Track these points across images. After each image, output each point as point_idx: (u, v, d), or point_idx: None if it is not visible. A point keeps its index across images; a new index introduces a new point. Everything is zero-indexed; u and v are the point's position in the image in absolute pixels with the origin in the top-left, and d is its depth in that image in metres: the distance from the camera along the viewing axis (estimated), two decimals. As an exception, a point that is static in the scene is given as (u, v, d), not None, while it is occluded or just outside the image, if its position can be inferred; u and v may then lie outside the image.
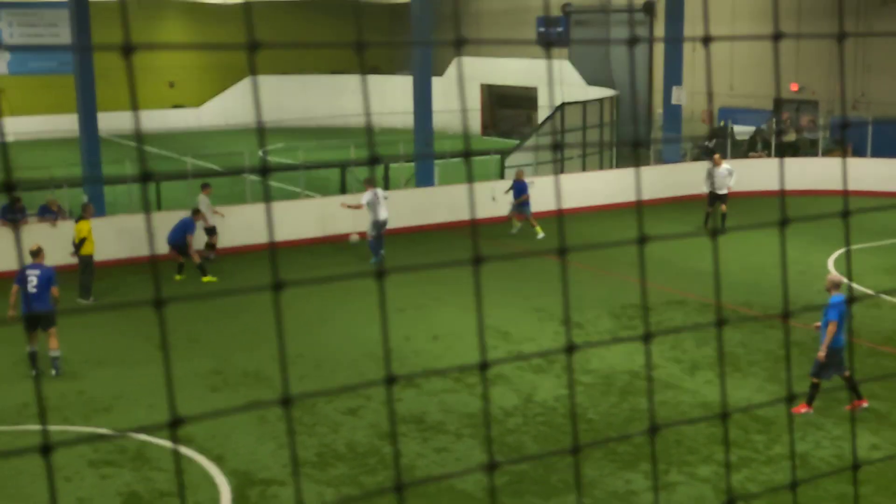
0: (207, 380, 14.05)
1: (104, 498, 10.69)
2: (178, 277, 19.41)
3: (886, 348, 14.84)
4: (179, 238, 19.24)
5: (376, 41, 52.87)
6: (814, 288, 17.24)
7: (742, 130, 31.61)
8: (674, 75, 29.60)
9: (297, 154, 31.58)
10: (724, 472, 10.51)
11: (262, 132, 2.09)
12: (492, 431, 12.09)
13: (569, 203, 25.14)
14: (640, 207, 2.63)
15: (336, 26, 49.62)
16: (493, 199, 23.01)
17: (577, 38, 42.21)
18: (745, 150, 30.71)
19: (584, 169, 28.70)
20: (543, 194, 24.20)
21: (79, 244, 17.81)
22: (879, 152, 27.34)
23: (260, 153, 31.67)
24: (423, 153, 26.36)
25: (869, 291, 17.12)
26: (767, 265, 19.27)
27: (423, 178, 25.77)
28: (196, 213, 19.86)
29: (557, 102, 29.91)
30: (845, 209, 2.85)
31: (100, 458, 11.51)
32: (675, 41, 30.77)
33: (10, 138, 42.75)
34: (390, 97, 43.67)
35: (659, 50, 36.11)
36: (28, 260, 14.54)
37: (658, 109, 34.71)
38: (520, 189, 22.57)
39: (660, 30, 37.32)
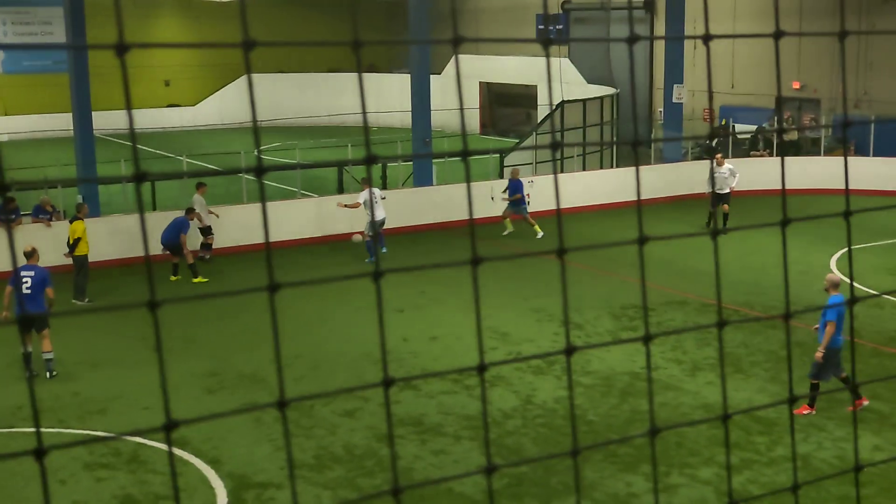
0: (204, 382, 13.92)
1: (99, 501, 10.58)
2: (173, 278, 19.28)
3: (889, 349, 14.73)
4: (173, 238, 19.11)
5: (373, 39, 52.76)
6: (815, 288, 17.09)
7: (743, 129, 31.52)
8: (675, 73, 29.48)
9: (294, 153, 31.48)
10: (726, 473, 10.39)
11: (257, 132, 1.97)
12: (491, 433, 11.97)
13: (569, 202, 25.03)
14: (639, 207, 2.50)
15: (333, 24, 49.49)
16: (492, 199, 22.87)
17: (576, 36, 42.12)
18: (746, 148, 30.61)
19: (584, 168, 28.59)
20: (543, 194, 24.08)
21: (73, 244, 17.68)
22: (882, 151, 27.23)
23: (255, 153, 31.51)
24: (421, 152, 26.22)
25: (871, 291, 17.00)
26: (769, 265, 19.16)
27: (422, 178, 25.64)
28: (190, 211, 19.73)
29: (557, 101, 29.80)
30: (847, 209, 2.72)
31: (95, 461, 11.39)
32: (675, 39, 30.68)
33: (3, 137, 42.64)
34: (388, 95, 43.56)
35: (660, 48, 36.01)
36: (22, 261, 14.40)
37: (659, 108, 34.61)
38: (515, 188, 22.47)
39: (661, 27, 37.22)
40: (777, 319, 15.46)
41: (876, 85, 31.36)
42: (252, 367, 14.40)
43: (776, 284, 17.64)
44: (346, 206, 21.01)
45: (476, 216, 21.98)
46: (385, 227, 21.24)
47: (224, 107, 47.44)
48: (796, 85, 33.38)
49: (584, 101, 30.57)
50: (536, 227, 22.27)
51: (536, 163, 27.52)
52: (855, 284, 17.38)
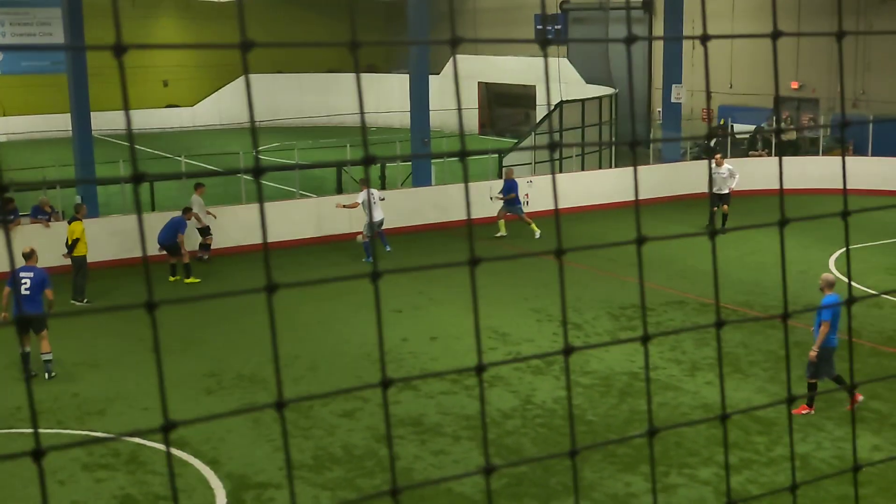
0: (202, 382, 13.92)
1: (98, 501, 10.57)
2: (172, 279, 19.28)
3: (888, 348, 14.74)
4: (170, 238, 19.10)
5: (372, 40, 52.75)
6: (814, 288, 17.07)
7: (742, 129, 31.52)
8: (673, 73, 29.48)
9: (293, 153, 31.46)
10: (725, 473, 10.38)
11: (254, 132, 1.98)
12: (490, 434, 11.97)
13: (568, 202, 25.03)
14: (637, 207, 2.50)
15: (332, 24, 49.48)
16: (490, 199, 22.86)
17: (575, 36, 42.11)
18: (745, 148, 30.61)
19: (582, 168, 28.58)
20: (542, 194, 24.07)
21: (72, 245, 17.67)
22: (880, 151, 27.24)
23: (253, 153, 31.50)
24: (420, 152, 26.21)
25: (870, 291, 17.00)
26: (768, 264, 19.16)
27: (420, 178, 25.63)
28: (186, 211, 19.71)
29: (555, 101, 29.80)
30: (845, 209, 2.73)
31: (94, 462, 11.38)
32: (672, 39, 30.67)
33: (2, 138, 42.63)
34: (387, 96, 43.56)
35: (658, 48, 36.00)
36: (20, 262, 14.38)
37: (658, 108, 34.61)
38: (509, 188, 22.44)
39: (659, 27, 37.22)
40: (776, 319, 15.48)
41: (874, 85, 31.37)
42: (251, 367, 14.40)
43: (776, 284, 17.64)
44: (344, 206, 21.02)
45: (474, 216, 21.95)
46: (384, 227, 21.24)
47: (222, 107, 47.42)
48: (795, 85, 33.38)
49: (582, 101, 30.57)
50: (533, 226, 22.23)
51: (535, 163, 27.52)
52: (853, 284, 17.40)
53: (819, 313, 11.93)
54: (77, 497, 10.64)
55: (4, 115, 44.62)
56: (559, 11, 41.15)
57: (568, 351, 2.31)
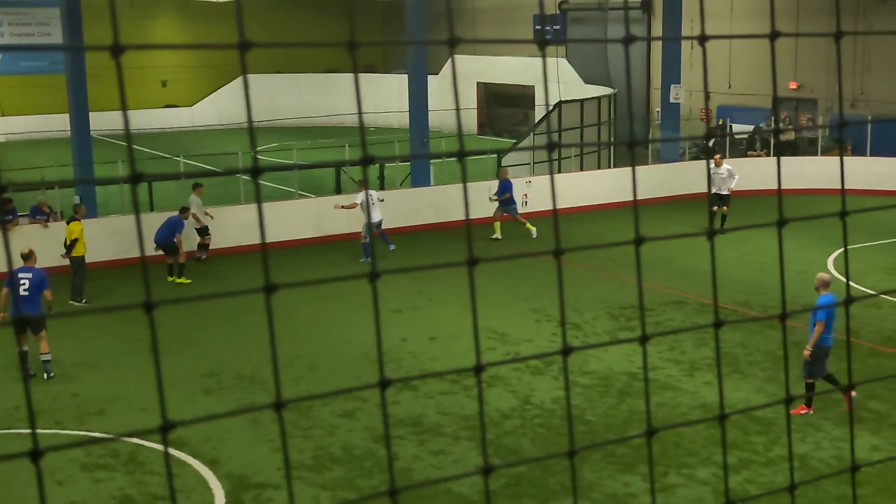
0: (201, 382, 13.91)
1: (97, 502, 10.57)
2: (169, 279, 19.27)
3: (886, 348, 14.74)
4: (167, 237, 19.09)
5: (370, 40, 52.72)
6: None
7: (740, 129, 31.52)
8: (672, 73, 29.49)
9: (292, 154, 31.46)
10: (723, 473, 10.39)
11: (252, 132, 1.98)
12: (489, 434, 11.96)
13: (567, 203, 25.02)
14: (636, 207, 2.50)
15: (330, 25, 49.47)
16: (489, 199, 22.84)
17: (573, 37, 42.13)
18: (743, 149, 30.62)
19: (581, 168, 28.58)
20: (541, 194, 24.06)
21: (70, 245, 17.66)
22: (879, 151, 27.25)
23: (251, 153, 31.53)
24: (418, 153, 26.21)
25: (868, 291, 17.00)
26: (767, 264, 19.17)
27: (419, 178, 25.63)
28: (184, 210, 19.70)
29: (554, 101, 29.79)
30: (843, 209, 2.73)
31: (93, 462, 11.37)
32: (671, 39, 30.67)
33: (0, 138, 42.60)
34: (386, 96, 43.55)
35: (657, 48, 36.00)
36: (19, 263, 14.38)
37: (656, 108, 34.61)
38: (504, 188, 22.35)
39: (658, 27, 37.22)
40: (775, 319, 15.46)
41: (873, 85, 31.38)
42: (250, 367, 14.39)
43: (775, 284, 17.62)
44: (343, 207, 21.01)
45: (473, 217, 21.93)
46: (383, 227, 21.22)
47: (221, 107, 47.41)
48: (793, 85, 33.39)
49: (581, 101, 30.57)
50: (528, 225, 22.14)
51: (534, 163, 27.51)
52: (851, 284, 17.39)
53: (814, 313, 11.94)
54: (75, 497, 10.63)
55: (3, 116, 44.60)
56: (558, 11, 41.14)
57: (566, 351, 2.31)
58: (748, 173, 25.16)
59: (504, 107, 45.80)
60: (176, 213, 19.61)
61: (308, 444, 11.74)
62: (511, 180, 22.62)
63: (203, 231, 20.82)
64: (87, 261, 17.94)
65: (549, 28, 37.89)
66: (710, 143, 27.59)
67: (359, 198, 20.27)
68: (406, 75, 27.27)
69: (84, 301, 17.86)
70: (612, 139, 32.71)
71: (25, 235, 18.83)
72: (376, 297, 2.13)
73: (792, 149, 29.65)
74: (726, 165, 22.69)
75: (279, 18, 48.28)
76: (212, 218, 20.96)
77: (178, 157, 27.43)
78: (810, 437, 11.67)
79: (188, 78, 49.07)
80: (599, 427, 12.15)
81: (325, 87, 48.09)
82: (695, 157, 30.44)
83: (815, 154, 28.84)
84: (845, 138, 28.46)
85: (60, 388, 13.75)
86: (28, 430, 12.22)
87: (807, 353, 12.00)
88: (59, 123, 37.63)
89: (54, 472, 11.04)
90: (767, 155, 29.46)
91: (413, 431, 12.08)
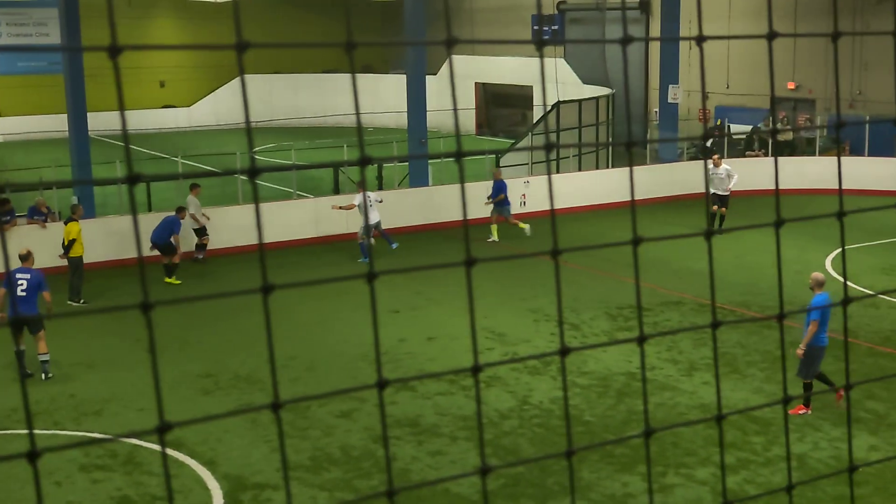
0: (199, 383, 13.90)
1: (95, 502, 10.56)
2: (167, 280, 19.26)
3: (884, 348, 14.75)
4: (164, 237, 19.07)
5: (368, 41, 52.73)
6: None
7: (738, 129, 31.54)
8: (670, 74, 29.50)
9: (290, 154, 31.45)
10: (721, 473, 10.41)
11: (250, 132, 1.98)
12: (488, 434, 11.96)
13: (565, 203, 25.02)
14: (633, 207, 2.50)
15: (328, 25, 49.46)
16: (485, 204, 22.77)
17: (571, 37, 42.13)
18: (741, 149, 30.62)
19: (580, 168, 28.59)
20: (539, 194, 24.04)
21: (68, 246, 17.65)
22: (876, 151, 27.26)
23: (249, 153, 31.55)
24: (417, 153, 26.20)
25: (865, 291, 17.02)
26: (765, 265, 19.18)
27: (417, 179, 25.62)
28: (180, 210, 19.68)
29: (552, 101, 29.80)
30: (840, 209, 2.73)
31: (91, 463, 11.37)
32: (669, 40, 30.69)
33: (-1, 139, 42.56)
34: (385, 96, 43.55)
35: (655, 48, 35.99)
36: (16, 264, 14.36)
37: (654, 108, 34.61)
38: (498, 189, 22.26)
39: (656, 28, 37.22)
40: (773, 320, 15.47)
41: (870, 85, 31.39)
42: (248, 368, 14.39)
43: (773, 284, 17.64)
44: (340, 208, 20.99)
45: (471, 217, 21.93)
46: (384, 227, 21.17)
47: (219, 108, 47.40)
48: (791, 85, 33.40)
49: (579, 101, 30.57)
50: (520, 224, 21.99)
51: (532, 163, 27.50)
52: (848, 284, 17.39)
53: (808, 314, 11.94)
54: (74, 498, 10.62)
55: (1, 116, 44.56)
56: (556, 12, 41.16)
57: (564, 351, 2.31)
58: (746, 173, 25.17)
59: (502, 107, 45.81)
60: (172, 213, 19.60)
61: (306, 445, 11.73)
62: (505, 181, 22.54)
63: (201, 231, 20.81)
64: (84, 261, 17.93)
65: (547, 28, 37.92)
66: (709, 144, 27.61)
67: (357, 199, 20.25)
68: (404, 75, 27.27)
69: (82, 301, 17.85)
70: (611, 139, 32.72)
71: (23, 236, 18.83)
72: (374, 297, 2.12)
73: (790, 149, 29.66)
74: (725, 166, 22.68)
75: (277, 19, 48.26)
76: (208, 219, 20.94)
77: (177, 157, 27.43)
78: (808, 437, 11.67)
79: (186, 78, 49.04)
80: (598, 427, 12.15)
81: (323, 88, 48.08)
82: (693, 158, 30.45)
83: (813, 154, 28.84)
84: (843, 138, 28.48)
85: (58, 389, 13.74)
86: (25, 431, 12.22)
87: (799, 351, 12.01)
88: (57, 124, 37.61)
89: (52, 473, 11.04)
90: (765, 155, 29.48)
91: (411, 432, 12.08)
